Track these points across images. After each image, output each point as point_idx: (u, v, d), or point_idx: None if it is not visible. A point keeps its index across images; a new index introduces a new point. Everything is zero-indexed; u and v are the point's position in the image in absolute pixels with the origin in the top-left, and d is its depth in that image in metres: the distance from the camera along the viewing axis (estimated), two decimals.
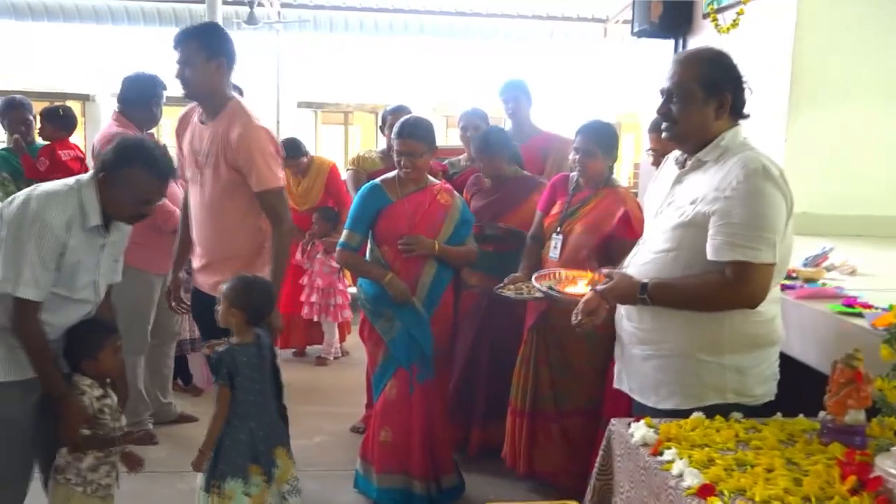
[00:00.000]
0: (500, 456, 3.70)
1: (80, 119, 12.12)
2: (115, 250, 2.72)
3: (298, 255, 5.96)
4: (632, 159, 13.06)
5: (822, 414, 2.17)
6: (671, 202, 2.33)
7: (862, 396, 1.92)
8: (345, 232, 3.54)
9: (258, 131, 3.18)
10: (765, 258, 2.12)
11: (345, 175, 5.21)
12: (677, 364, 2.29)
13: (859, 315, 2.42)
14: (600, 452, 2.19)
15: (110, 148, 2.60)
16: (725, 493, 1.67)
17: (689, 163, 2.32)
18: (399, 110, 4.52)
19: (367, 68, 12.39)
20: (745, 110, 2.29)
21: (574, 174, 3.57)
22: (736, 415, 2.15)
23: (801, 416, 2.19)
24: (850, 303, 2.53)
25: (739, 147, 2.23)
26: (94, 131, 12.27)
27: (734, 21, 5.42)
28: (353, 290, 5.52)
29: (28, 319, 2.46)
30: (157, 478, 3.84)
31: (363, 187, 3.59)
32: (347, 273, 6.03)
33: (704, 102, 2.21)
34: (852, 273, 3.27)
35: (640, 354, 2.39)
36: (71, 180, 2.57)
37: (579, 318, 2.49)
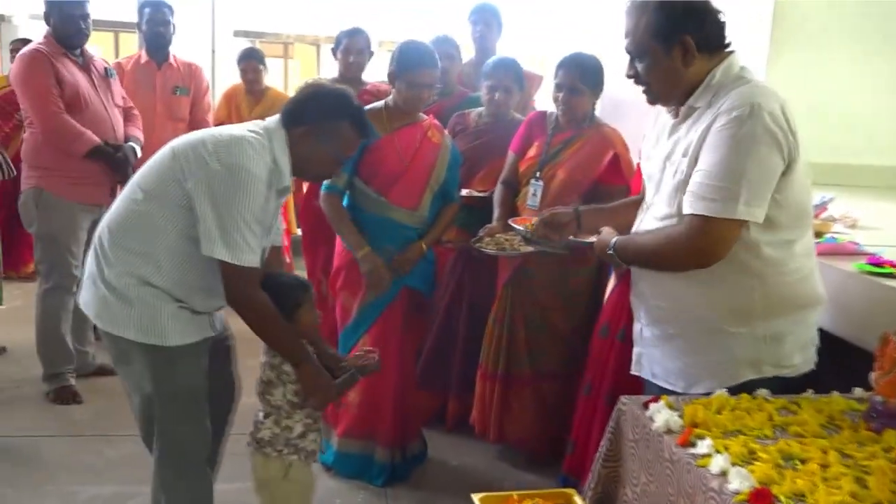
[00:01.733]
0: (469, 422, 3.40)
1: None
2: (279, 215, 2.42)
3: None
4: None
5: (858, 391, 1.92)
6: (668, 156, 2.00)
7: None
8: None
9: None
10: (721, 211, 1.81)
11: None
12: (704, 341, 1.98)
13: (893, 276, 2.15)
14: (607, 435, 1.89)
15: (309, 97, 2.29)
16: (782, 498, 1.38)
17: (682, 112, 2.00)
18: (356, 34, 4.12)
19: None
20: (726, 39, 1.95)
21: (553, 112, 3.22)
22: (763, 391, 1.87)
23: (834, 392, 1.91)
24: (877, 261, 2.27)
25: (734, 82, 1.90)
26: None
27: None
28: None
29: (252, 289, 2.16)
30: (82, 443, 3.44)
31: None
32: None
33: (666, 55, 1.90)
34: (853, 226, 3.02)
35: (660, 335, 2.08)
36: (254, 128, 2.22)
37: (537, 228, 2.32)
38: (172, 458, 2.31)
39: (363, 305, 3.12)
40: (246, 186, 2.08)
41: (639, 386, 2.20)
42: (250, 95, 5.56)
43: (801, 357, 2.01)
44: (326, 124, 2.25)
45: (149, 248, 2.15)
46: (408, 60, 3.01)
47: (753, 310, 1.93)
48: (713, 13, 1.93)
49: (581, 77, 3.04)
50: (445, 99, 3.81)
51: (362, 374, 2.45)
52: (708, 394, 1.85)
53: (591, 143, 3.08)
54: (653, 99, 2.03)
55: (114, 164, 3.82)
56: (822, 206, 3.03)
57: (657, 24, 1.89)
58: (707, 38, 1.91)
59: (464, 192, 3.43)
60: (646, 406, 1.77)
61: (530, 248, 2.68)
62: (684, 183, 1.90)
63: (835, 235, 2.67)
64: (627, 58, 2.00)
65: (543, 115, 3.29)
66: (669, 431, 1.66)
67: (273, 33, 12.48)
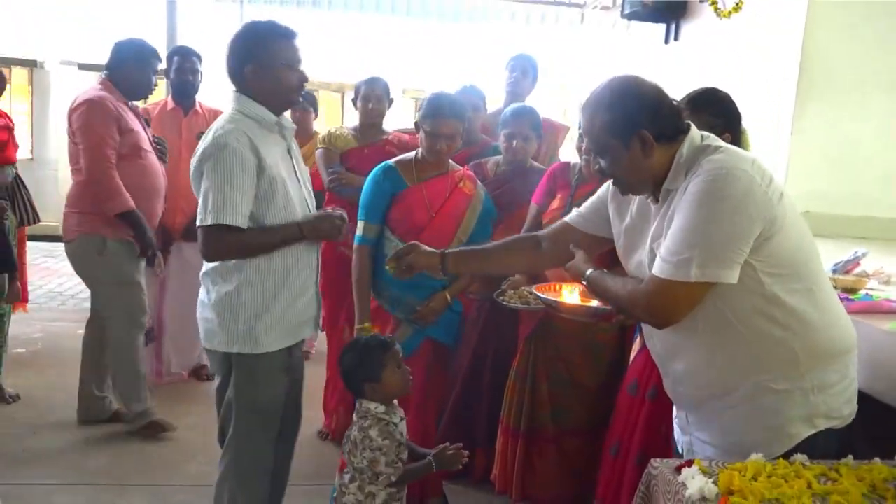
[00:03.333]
0: (489, 479, 3.30)
1: (27, 87, 11.49)
2: (300, 161, 2.68)
3: None
4: None
5: None
6: (654, 240, 1.93)
7: None
8: (360, 224, 3.10)
9: None
10: (675, 274, 1.78)
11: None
12: (754, 407, 1.90)
13: None
14: (636, 501, 1.81)
15: (228, 50, 2.50)
16: None
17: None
18: (374, 82, 4.13)
19: (334, 46, 11.88)
20: (683, 125, 1.92)
21: (576, 162, 3.19)
22: (801, 457, 1.79)
23: (875, 459, 1.83)
24: None
25: (702, 152, 1.86)
26: (42, 100, 11.55)
27: (737, 4, 5.10)
28: None
29: (227, 244, 2.39)
30: (97, 492, 3.38)
31: (374, 170, 3.17)
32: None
33: (626, 150, 1.89)
34: (888, 282, 2.95)
35: (708, 415, 2.00)
36: (225, 113, 2.51)
37: None
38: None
39: None
40: (228, 158, 2.33)
41: (671, 448, 2.12)
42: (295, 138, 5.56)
43: (849, 408, 1.95)
44: (258, 53, 2.43)
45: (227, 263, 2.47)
46: (430, 110, 3.03)
47: (796, 361, 1.86)
48: (666, 104, 1.90)
49: None
50: (469, 148, 3.80)
51: (439, 467, 2.44)
52: None
53: None
54: (624, 190, 2.01)
55: (138, 231, 3.83)
56: (854, 261, 2.96)
57: (612, 122, 1.89)
58: (662, 129, 1.88)
59: None
60: (678, 470, 1.70)
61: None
62: None
63: (870, 293, 2.59)
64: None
65: (567, 166, 3.25)
66: (704, 500, 1.58)
67: None
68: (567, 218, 2.29)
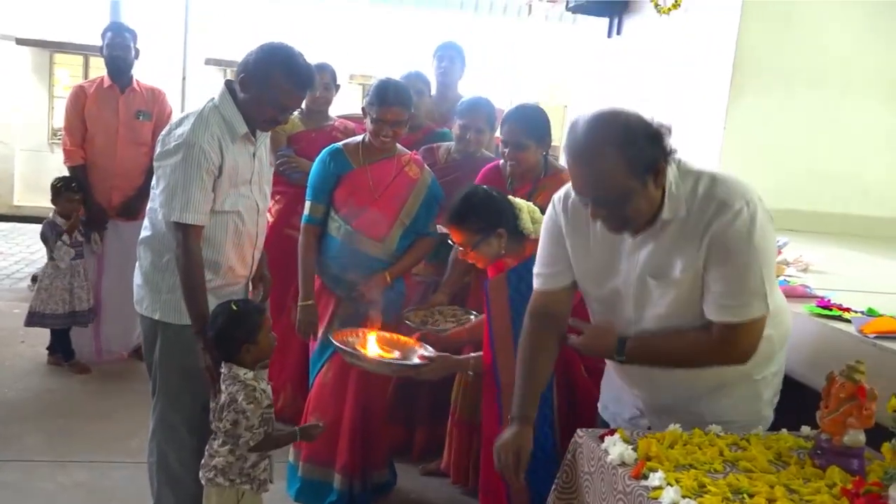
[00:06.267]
0: (441, 468, 3.38)
1: None
2: (264, 164, 2.73)
3: None
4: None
5: (805, 429, 1.98)
6: (652, 273, 1.91)
7: (865, 415, 1.71)
8: (307, 204, 3.18)
9: None
10: (755, 314, 1.86)
11: None
12: (737, 395, 2.05)
13: (840, 319, 2.23)
14: (563, 467, 1.92)
15: (253, 49, 2.54)
16: None
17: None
18: (321, 69, 4.14)
19: (280, 29, 11.80)
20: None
21: (504, 164, 3.21)
22: (715, 428, 1.92)
23: (783, 430, 1.97)
24: (825, 304, 2.35)
25: (696, 181, 1.85)
26: None
27: (675, 1, 5.25)
28: None
29: (190, 244, 2.44)
30: (35, 468, 3.38)
31: (322, 153, 3.22)
32: None
33: (644, 187, 1.80)
34: (805, 270, 3.12)
35: (685, 403, 2.05)
36: (207, 101, 2.57)
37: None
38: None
39: (327, 332, 3.14)
40: (197, 159, 2.41)
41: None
42: None
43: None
44: (258, 73, 2.48)
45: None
46: (377, 96, 3.07)
47: (773, 350, 2.03)
48: (666, 129, 1.83)
49: (525, 132, 3.07)
50: (412, 133, 3.86)
51: (302, 437, 2.59)
52: None
53: (550, 193, 3.10)
54: (621, 228, 1.91)
55: None
56: (776, 250, 3.13)
57: (630, 162, 1.77)
58: (664, 156, 1.82)
59: None
60: (601, 439, 1.81)
61: (449, 327, 2.87)
62: (691, 293, 1.88)
63: (787, 278, 2.75)
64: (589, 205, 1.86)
65: (498, 168, 3.28)
66: (623, 464, 1.70)
67: None
68: (539, 288, 2.14)
